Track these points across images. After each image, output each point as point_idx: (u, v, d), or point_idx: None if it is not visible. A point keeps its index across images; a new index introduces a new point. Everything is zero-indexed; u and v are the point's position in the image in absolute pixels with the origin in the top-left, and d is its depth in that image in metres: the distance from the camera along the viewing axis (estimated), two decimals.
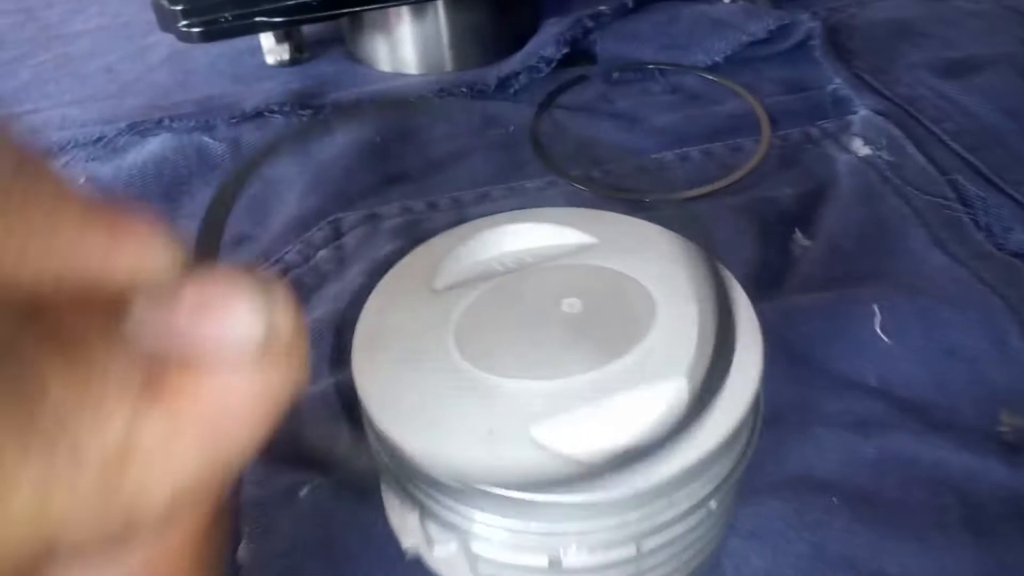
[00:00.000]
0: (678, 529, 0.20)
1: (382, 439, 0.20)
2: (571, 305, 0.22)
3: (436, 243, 0.25)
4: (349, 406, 0.28)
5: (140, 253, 0.12)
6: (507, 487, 0.18)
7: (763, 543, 0.23)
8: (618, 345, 0.21)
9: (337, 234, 0.35)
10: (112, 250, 0.12)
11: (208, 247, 0.13)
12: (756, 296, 0.30)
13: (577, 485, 0.18)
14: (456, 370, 0.21)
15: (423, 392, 0.20)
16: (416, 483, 0.20)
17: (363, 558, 0.24)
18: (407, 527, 0.23)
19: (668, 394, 0.20)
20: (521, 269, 0.24)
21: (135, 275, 0.11)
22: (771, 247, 0.33)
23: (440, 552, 0.22)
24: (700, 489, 0.20)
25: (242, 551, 0.24)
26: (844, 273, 0.31)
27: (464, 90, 0.43)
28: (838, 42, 0.45)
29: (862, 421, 0.26)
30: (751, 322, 0.22)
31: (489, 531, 0.19)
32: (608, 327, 0.21)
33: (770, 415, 0.26)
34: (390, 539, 0.24)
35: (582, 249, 0.24)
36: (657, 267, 0.23)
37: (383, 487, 0.24)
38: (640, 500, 0.19)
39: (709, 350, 0.21)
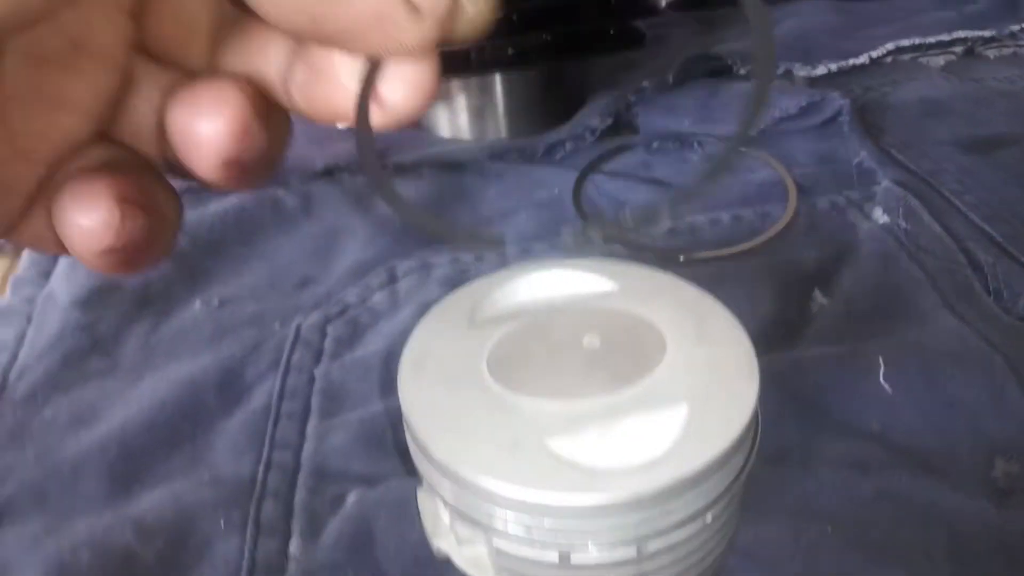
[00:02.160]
0: (675, 537, 0.22)
1: (422, 448, 0.23)
2: (591, 341, 0.25)
3: (476, 285, 0.28)
4: (395, 428, 0.31)
5: None
6: (525, 487, 0.21)
7: (759, 563, 0.25)
8: (629, 375, 0.24)
9: (392, 279, 0.38)
10: None
11: None
12: (771, 347, 0.33)
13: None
14: (487, 391, 0.24)
15: (458, 409, 0.23)
16: (449, 487, 0.23)
17: (399, 558, 0.27)
18: (439, 530, 0.26)
19: (670, 418, 0.23)
20: (549, 310, 0.27)
21: None
22: (790, 304, 0.36)
23: (468, 551, 0.25)
24: (696, 500, 0.22)
25: (293, 546, 0.27)
26: (855, 330, 0.33)
27: (514, 155, 0.47)
28: (869, 119, 0.48)
29: (862, 462, 0.28)
30: (748, 351, 0.24)
31: (509, 528, 0.22)
32: (622, 360, 0.24)
33: (775, 454, 0.29)
34: (423, 542, 0.27)
35: (605, 295, 0.27)
36: (670, 313, 0.26)
37: (419, 496, 0.27)
38: (640, 505, 0.21)
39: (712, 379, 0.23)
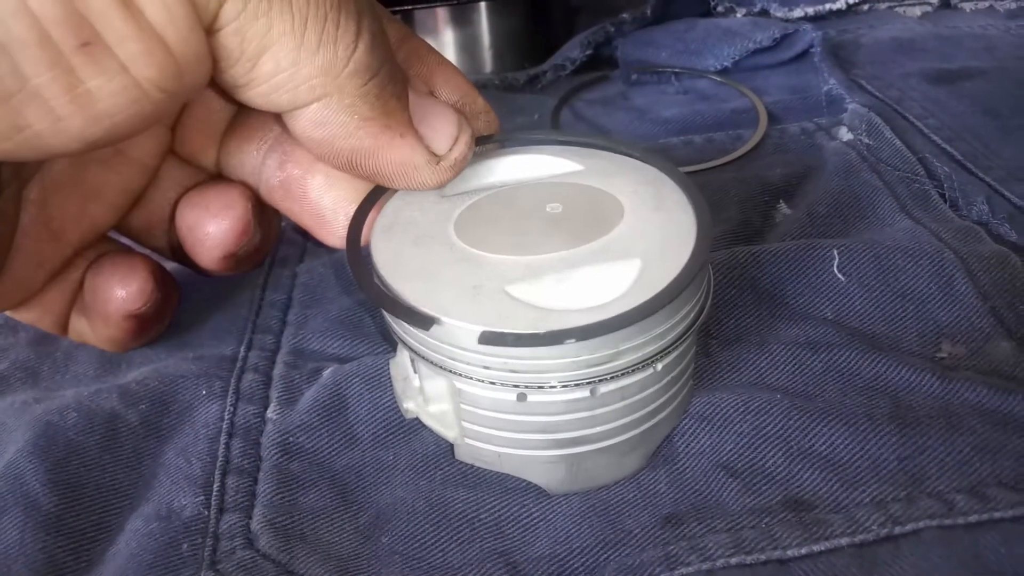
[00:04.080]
0: (626, 381, 0.24)
1: (391, 296, 0.24)
2: (553, 208, 0.27)
3: None
4: (371, 316, 0.32)
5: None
6: (483, 325, 0.22)
7: (711, 425, 0.27)
8: (588, 235, 0.25)
9: None
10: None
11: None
12: (733, 246, 0.35)
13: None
14: (452, 247, 0.25)
15: (424, 262, 0.25)
16: (415, 335, 0.24)
17: (370, 421, 0.28)
18: (408, 392, 0.27)
19: (624, 270, 0.24)
20: (516, 184, 0.28)
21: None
22: (755, 212, 0.37)
23: (434, 409, 0.26)
24: (645, 346, 0.23)
25: (270, 412, 0.29)
26: (815, 232, 0.35)
27: (496, 83, 0.48)
28: (842, 56, 0.49)
29: (814, 342, 0.30)
30: (704, 215, 0.26)
31: (470, 369, 0.23)
32: (582, 223, 0.26)
33: (732, 336, 0.30)
34: (393, 408, 0.28)
35: (571, 173, 0.29)
36: (631, 187, 0.28)
37: (390, 365, 0.28)
38: (591, 342, 0.23)
39: (666, 240, 0.25)
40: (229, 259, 0.27)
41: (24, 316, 0.28)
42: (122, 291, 0.27)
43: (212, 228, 0.27)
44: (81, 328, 0.29)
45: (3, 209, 0.25)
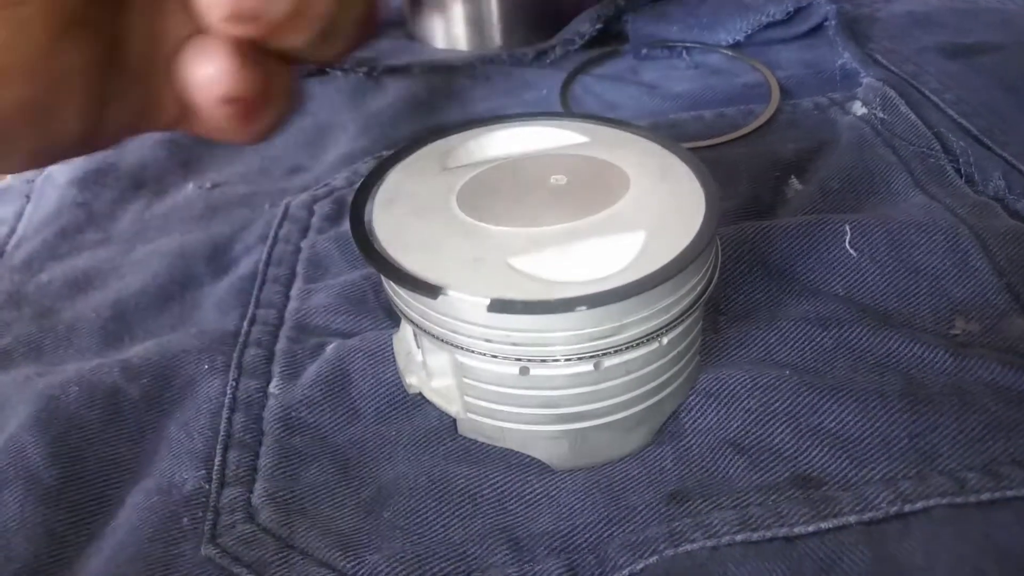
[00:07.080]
0: (630, 355, 0.23)
1: (391, 269, 0.24)
2: (558, 180, 0.26)
3: (451, 138, 0.29)
4: (375, 291, 0.32)
5: None
6: (484, 297, 0.22)
7: (718, 401, 0.26)
8: (592, 207, 0.25)
9: None
10: None
11: None
12: (743, 221, 0.34)
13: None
14: (454, 218, 0.25)
15: (425, 233, 0.24)
16: (417, 307, 0.24)
17: (373, 396, 0.28)
18: (411, 367, 0.27)
19: (628, 242, 0.24)
20: (520, 155, 0.28)
21: None
22: (766, 188, 0.36)
23: (437, 384, 0.26)
24: (650, 319, 0.23)
25: (273, 386, 0.28)
26: (827, 208, 0.34)
27: (504, 57, 0.47)
28: (857, 30, 0.48)
29: (824, 318, 0.29)
30: (711, 187, 0.25)
31: (472, 342, 0.23)
32: (586, 195, 0.25)
33: (741, 312, 0.30)
34: (396, 383, 0.28)
35: (576, 145, 0.28)
36: (637, 158, 0.27)
37: (394, 340, 0.28)
38: (595, 319, 0.22)
39: (673, 212, 0.24)
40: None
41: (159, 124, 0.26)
42: (205, 70, 0.25)
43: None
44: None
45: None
